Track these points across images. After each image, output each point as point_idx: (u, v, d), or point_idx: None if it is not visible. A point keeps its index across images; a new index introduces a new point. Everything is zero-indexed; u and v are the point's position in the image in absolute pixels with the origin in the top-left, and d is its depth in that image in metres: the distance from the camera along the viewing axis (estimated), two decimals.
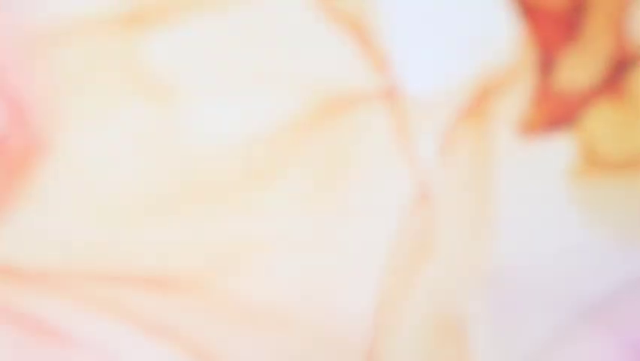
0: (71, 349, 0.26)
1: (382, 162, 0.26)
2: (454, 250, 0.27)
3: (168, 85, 0.27)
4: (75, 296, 0.27)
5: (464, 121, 0.28)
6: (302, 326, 0.28)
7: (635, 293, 0.25)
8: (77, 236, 0.28)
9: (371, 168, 0.26)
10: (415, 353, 0.28)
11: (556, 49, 0.28)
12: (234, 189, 0.26)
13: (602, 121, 0.28)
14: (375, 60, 0.28)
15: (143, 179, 0.27)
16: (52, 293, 0.27)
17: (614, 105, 0.28)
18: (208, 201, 0.26)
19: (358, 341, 0.28)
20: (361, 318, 0.28)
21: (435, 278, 0.26)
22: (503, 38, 0.28)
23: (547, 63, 0.28)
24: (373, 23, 0.28)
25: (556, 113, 0.28)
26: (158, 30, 0.28)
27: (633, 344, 0.24)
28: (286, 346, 0.28)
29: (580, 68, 0.28)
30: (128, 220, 0.27)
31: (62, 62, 0.24)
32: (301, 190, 0.27)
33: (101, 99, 0.26)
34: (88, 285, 0.26)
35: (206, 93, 0.27)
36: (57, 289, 0.26)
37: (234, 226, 0.26)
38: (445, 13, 0.28)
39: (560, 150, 0.28)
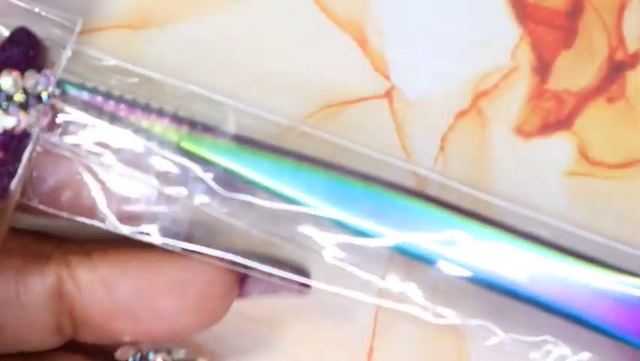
0: None
1: (381, 162, 0.26)
2: None
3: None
4: None
5: (462, 122, 0.28)
6: (301, 323, 0.28)
7: None
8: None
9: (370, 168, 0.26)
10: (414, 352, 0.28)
11: (552, 51, 0.28)
12: None
13: (598, 122, 0.28)
14: (374, 62, 0.28)
15: None
16: None
17: (610, 107, 0.28)
18: None
19: (358, 340, 0.28)
20: (361, 317, 0.28)
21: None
22: (501, 40, 0.28)
23: (544, 65, 0.28)
24: (373, 25, 0.28)
25: (552, 114, 0.28)
26: (158, 30, 0.28)
27: None
28: (285, 344, 0.28)
29: (576, 70, 0.28)
30: None
31: None
32: None
33: None
34: None
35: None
36: None
37: None
38: (444, 15, 0.28)
39: (556, 151, 0.28)
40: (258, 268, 0.25)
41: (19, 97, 0.22)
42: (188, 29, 0.28)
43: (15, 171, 0.22)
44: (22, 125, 0.22)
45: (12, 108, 0.22)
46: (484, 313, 0.26)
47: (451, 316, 0.25)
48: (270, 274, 0.25)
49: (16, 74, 0.22)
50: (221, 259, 0.25)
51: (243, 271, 0.25)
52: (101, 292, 0.24)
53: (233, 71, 0.27)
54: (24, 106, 0.22)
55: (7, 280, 0.23)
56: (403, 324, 0.28)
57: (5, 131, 0.22)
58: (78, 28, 0.23)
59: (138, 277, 0.24)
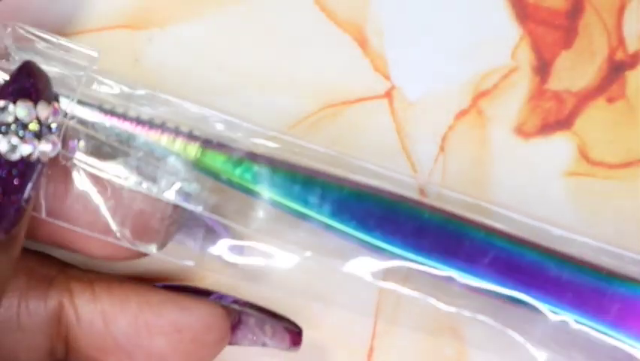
0: None
1: (381, 162, 0.26)
2: None
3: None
4: None
5: (462, 122, 0.28)
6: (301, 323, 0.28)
7: None
8: None
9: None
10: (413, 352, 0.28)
11: (552, 51, 0.28)
12: None
13: (598, 122, 0.28)
14: (374, 62, 0.28)
15: None
16: None
17: (610, 107, 0.28)
18: None
19: (358, 340, 0.28)
20: (361, 317, 0.28)
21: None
22: (501, 40, 0.28)
23: (544, 65, 0.28)
24: (373, 25, 0.28)
25: (552, 114, 0.28)
26: (158, 30, 0.28)
27: None
28: None
29: (576, 70, 0.28)
30: None
31: None
32: None
33: None
34: None
35: (204, 95, 0.27)
36: None
37: None
38: (444, 15, 0.28)
39: (556, 151, 0.28)
40: (255, 315, 0.26)
41: (34, 126, 0.22)
42: (188, 29, 0.28)
43: (27, 198, 0.22)
44: (37, 154, 0.22)
45: (28, 136, 0.22)
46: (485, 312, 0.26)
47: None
48: (263, 325, 0.26)
49: (30, 103, 0.22)
50: (221, 298, 0.26)
51: (238, 317, 0.26)
52: (99, 325, 0.24)
53: (233, 71, 0.27)
54: (38, 135, 0.22)
55: (10, 301, 0.23)
56: (403, 324, 0.28)
57: (22, 159, 0.22)
58: (96, 59, 0.24)
59: (138, 315, 0.24)
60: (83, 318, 0.24)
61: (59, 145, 0.23)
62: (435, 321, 0.27)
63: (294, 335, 0.26)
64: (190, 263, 0.25)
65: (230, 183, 0.25)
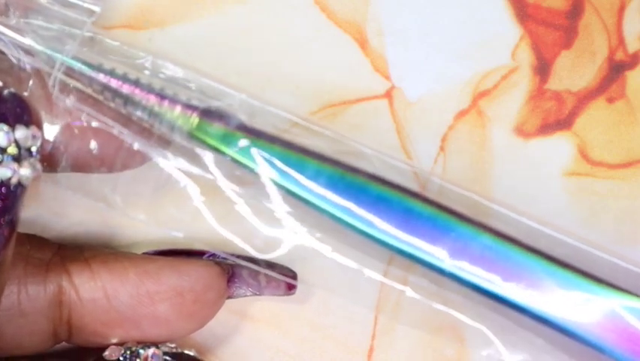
0: None
1: (382, 162, 0.26)
2: None
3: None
4: None
5: (462, 122, 0.28)
6: (301, 323, 0.28)
7: None
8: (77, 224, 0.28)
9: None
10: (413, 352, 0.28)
11: (552, 51, 0.28)
12: None
13: (598, 122, 0.28)
14: (374, 62, 0.28)
15: None
16: None
17: (610, 107, 0.28)
18: None
19: (358, 340, 0.28)
20: (361, 317, 0.28)
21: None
22: (501, 40, 0.28)
23: (544, 65, 0.28)
24: (373, 25, 0.28)
25: (552, 114, 0.28)
26: (159, 31, 0.28)
27: None
28: (285, 344, 0.28)
29: (576, 70, 0.28)
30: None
31: None
32: None
33: None
34: None
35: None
36: None
37: None
38: (444, 15, 0.28)
39: (556, 151, 0.28)
40: (248, 267, 0.26)
41: (12, 150, 0.22)
42: (187, 29, 0.28)
43: (13, 221, 0.22)
44: (17, 178, 0.22)
45: (6, 160, 0.22)
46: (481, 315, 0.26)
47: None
48: (257, 274, 0.26)
49: (7, 128, 0.22)
50: (214, 256, 0.26)
51: (231, 270, 0.26)
52: (102, 301, 0.24)
53: (233, 71, 0.27)
54: (17, 159, 0.22)
55: (10, 288, 0.24)
56: (404, 323, 0.28)
57: (2, 183, 0.22)
58: (96, 13, 0.25)
59: (138, 285, 0.25)
60: (84, 297, 0.24)
61: (40, 168, 0.23)
62: (435, 320, 0.27)
63: (289, 280, 0.27)
64: (179, 235, 0.26)
65: (225, 155, 0.25)
